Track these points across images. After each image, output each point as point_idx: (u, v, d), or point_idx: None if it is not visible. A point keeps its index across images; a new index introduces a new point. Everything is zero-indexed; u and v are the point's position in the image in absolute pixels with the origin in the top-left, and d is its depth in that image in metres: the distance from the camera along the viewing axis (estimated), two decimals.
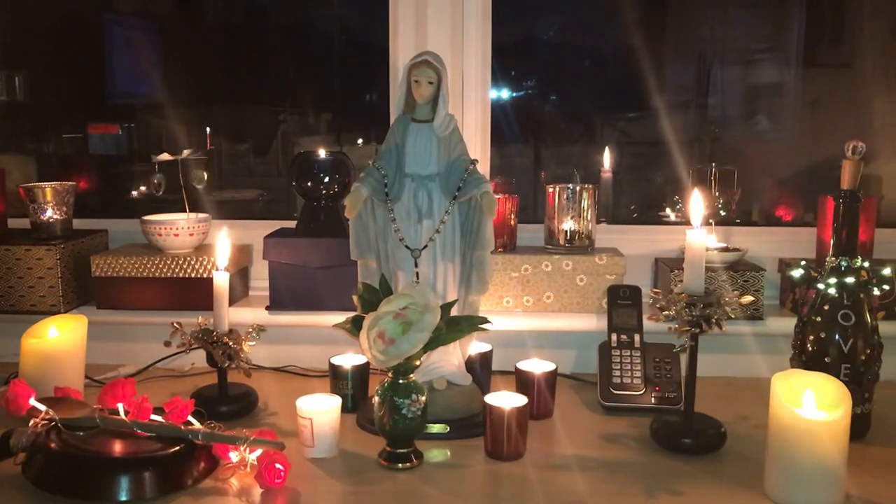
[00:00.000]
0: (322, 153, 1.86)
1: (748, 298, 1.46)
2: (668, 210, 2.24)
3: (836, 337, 1.47)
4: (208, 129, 3.21)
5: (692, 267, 1.42)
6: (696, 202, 1.45)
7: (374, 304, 1.41)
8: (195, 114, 2.98)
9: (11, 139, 2.48)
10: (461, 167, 1.54)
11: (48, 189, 1.88)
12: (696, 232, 1.41)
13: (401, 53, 1.94)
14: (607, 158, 2.39)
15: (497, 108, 2.12)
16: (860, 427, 1.46)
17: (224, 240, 1.62)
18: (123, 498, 1.24)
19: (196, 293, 1.83)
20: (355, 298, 1.48)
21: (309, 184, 1.85)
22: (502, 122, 2.38)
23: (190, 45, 2.82)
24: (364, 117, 3.25)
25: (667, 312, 1.42)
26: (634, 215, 2.51)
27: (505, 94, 2.57)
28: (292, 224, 1.99)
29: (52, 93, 2.69)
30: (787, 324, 1.68)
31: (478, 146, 1.96)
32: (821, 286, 1.49)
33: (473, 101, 1.97)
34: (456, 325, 1.42)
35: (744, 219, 2.26)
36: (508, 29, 2.00)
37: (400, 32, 1.94)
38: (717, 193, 1.95)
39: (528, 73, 2.69)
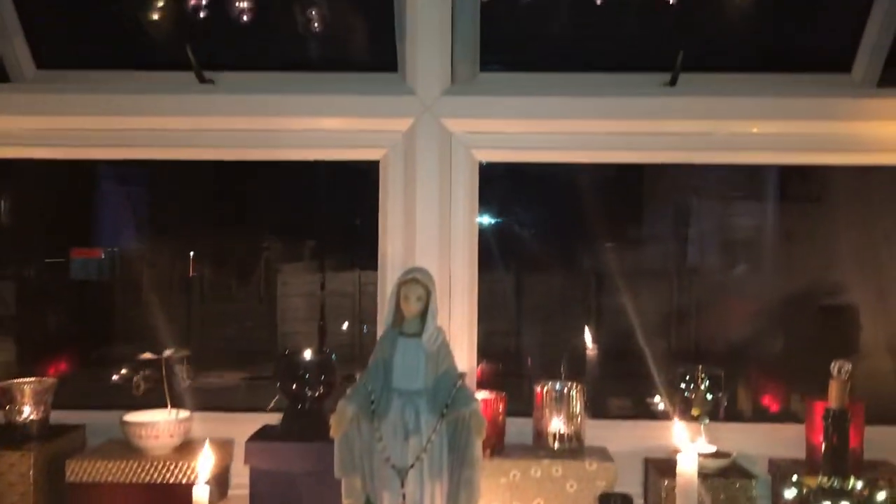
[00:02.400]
0: (307, 354, 1.85)
1: None
2: (656, 398, 2.23)
3: None
4: (192, 254, 3.21)
5: (684, 493, 1.40)
6: (683, 427, 1.44)
7: None
8: (178, 240, 2.98)
9: None
10: (449, 382, 1.53)
11: (27, 388, 1.85)
12: (687, 459, 1.40)
13: (389, 255, 1.97)
14: (589, 337, 2.40)
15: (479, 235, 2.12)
16: None
17: (207, 456, 1.58)
18: None
19: (175, 498, 1.77)
20: None
21: (294, 386, 1.83)
22: (483, 249, 2.38)
23: (175, 173, 2.83)
24: (347, 243, 3.27)
25: None
26: (619, 406, 2.49)
27: (486, 220, 2.58)
28: (273, 417, 1.95)
29: (36, 217, 2.68)
30: None
31: (465, 342, 1.96)
32: None
33: (460, 301, 1.98)
34: None
35: (730, 406, 2.25)
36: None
37: (389, 228, 1.98)
38: (704, 396, 1.94)
39: (512, 202, 2.74)
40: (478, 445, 1.52)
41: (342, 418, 1.51)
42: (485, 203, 2.09)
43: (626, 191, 3.03)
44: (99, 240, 3.25)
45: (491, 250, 2.56)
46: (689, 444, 1.42)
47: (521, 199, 2.93)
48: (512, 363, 2.77)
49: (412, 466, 1.50)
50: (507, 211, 2.82)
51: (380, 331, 1.66)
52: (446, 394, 1.52)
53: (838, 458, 1.49)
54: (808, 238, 2.92)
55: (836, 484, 1.47)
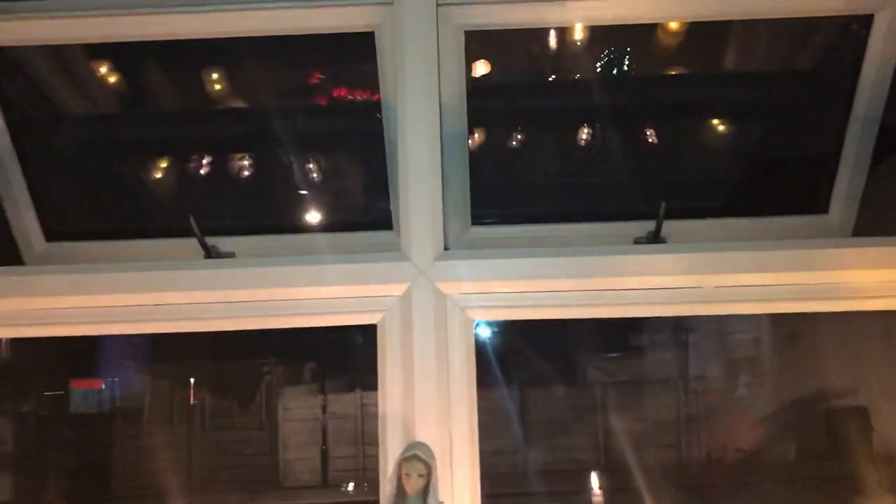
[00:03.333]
0: None
1: None
2: None
3: None
4: (192, 381, 3.20)
5: None
6: None
7: None
8: (179, 367, 2.99)
9: None
10: None
11: None
12: None
13: (389, 408, 1.99)
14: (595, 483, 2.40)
15: (482, 348, 2.12)
16: None
17: None
18: None
19: None
20: None
21: None
22: (486, 365, 2.37)
23: None
24: (347, 364, 3.25)
25: None
26: None
27: (486, 332, 2.59)
28: None
29: (34, 352, 2.68)
30: None
31: None
32: None
33: (461, 466, 1.98)
34: None
35: None
36: None
37: (388, 389, 2.01)
38: None
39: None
40: None
41: None
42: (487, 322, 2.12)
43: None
44: (98, 370, 3.25)
45: (490, 367, 2.57)
46: None
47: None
48: (516, 483, 2.72)
49: None
50: (508, 329, 2.84)
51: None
52: None
53: None
54: (810, 340, 2.91)
55: None
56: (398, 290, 2.02)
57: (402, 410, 2.00)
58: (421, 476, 1.58)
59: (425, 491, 1.58)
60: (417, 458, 1.58)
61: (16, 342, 2.57)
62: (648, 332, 3.19)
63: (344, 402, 4.29)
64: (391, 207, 2.20)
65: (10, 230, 2.24)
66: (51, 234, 2.27)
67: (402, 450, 1.64)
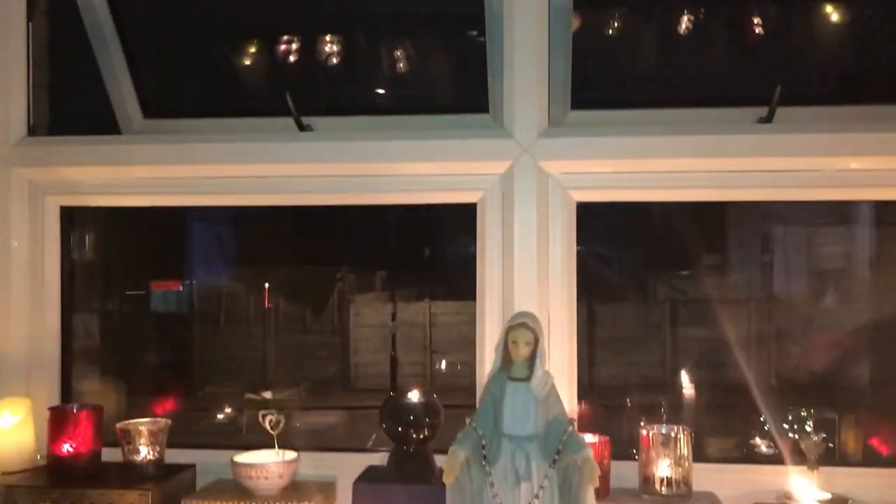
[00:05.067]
0: (414, 396, 1.87)
1: None
2: (757, 439, 2.18)
3: None
4: (266, 286, 3.26)
5: None
6: (799, 473, 1.41)
7: None
8: (255, 272, 3.04)
9: (78, 296, 2.52)
10: (560, 429, 1.54)
11: (143, 430, 1.92)
12: None
13: (487, 307, 1.99)
14: (686, 380, 2.37)
15: None
16: None
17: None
18: None
19: None
20: None
21: (400, 428, 1.85)
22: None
23: (255, 209, 2.88)
24: (418, 275, 3.28)
25: None
26: (721, 449, 2.43)
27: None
28: (375, 457, 1.98)
29: (119, 251, 2.76)
30: None
31: (564, 386, 1.95)
32: None
33: (559, 344, 1.98)
34: None
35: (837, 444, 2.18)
36: None
37: (487, 272, 2.00)
38: (816, 439, 1.88)
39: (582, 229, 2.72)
40: (590, 492, 1.52)
41: (455, 463, 1.52)
42: None
43: (709, 219, 2.95)
44: (178, 273, 3.34)
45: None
46: (806, 490, 1.38)
47: (600, 230, 2.90)
48: (600, 398, 2.72)
49: None
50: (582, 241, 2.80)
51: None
52: (557, 439, 1.53)
53: None
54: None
55: None
56: (500, 168, 1.99)
57: (500, 291, 2.00)
58: (528, 344, 1.56)
59: (531, 359, 1.56)
60: (525, 326, 1.56)
61: (102, 244, 2.63)
62: (725, 250, 3.08)
63: (413, 311, 4.32)
64: (488, 88, 2.14)
65: (111, 105, 2.27)
66: (148, 111, 2.29)
67: (504, 323, 1.62)
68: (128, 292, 3.03)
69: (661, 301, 3.34)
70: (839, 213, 2.90)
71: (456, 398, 2.26)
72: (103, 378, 2.65)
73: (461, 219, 2.10)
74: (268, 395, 1.93)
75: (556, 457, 1.52)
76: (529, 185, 1.97)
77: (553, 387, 1.58)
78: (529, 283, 1.95)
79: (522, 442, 1.53)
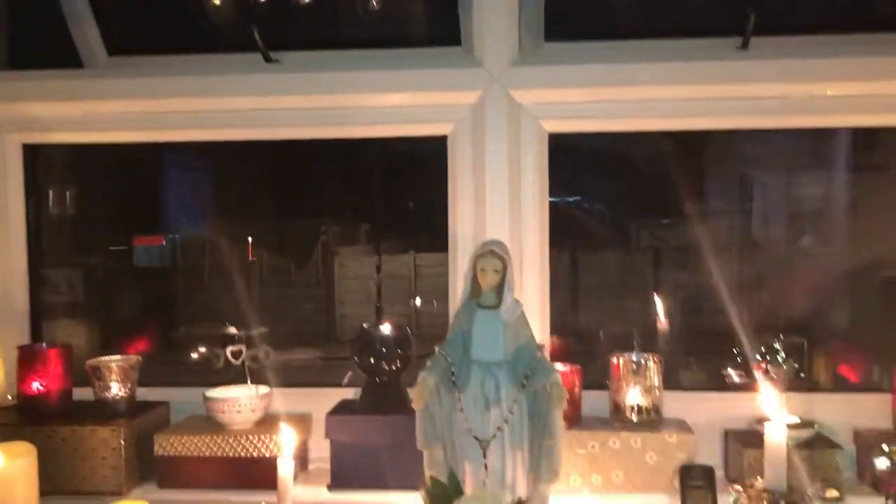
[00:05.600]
0: (385, 329, 1.87)
1: (833, 493, 1.41)
2: (729, 370, 2.19)
3: None
4: (250, 240, 3.25)
5: (773, 463, 1.38)
6: (771, 396, 1.42)
7: (443, 501, 1.38)
8: (238, 225, 3.02)
9: (61, 251, 2.51)
10: (529, 354, 1.53)
11: (114, 366, 1.91)
12: (776, 427, 1.37)
13: (459, 231, 1.97)
14: (660, 308, 2.37)
15: None
16: None
17: (289, 436, 1.59)
18: None
19: (257, 471, 1.81)
20: (423, 495, 1.45)
21: (371, 360, 1.85)
22: None
23: (237, 161, 2.88)
24: (403, 226, 3.27)
25: None
26: (693, 367, 2.46)
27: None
28: (349, 392, 1.99)
29: (100, 207, 2.74)
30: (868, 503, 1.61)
31: (537, 315, 1.95)
32: None
33: (532, 273, 1.98)
34: None
35: (809, 377, 2.20)
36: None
37: (458, 210, 1.98)
38: (785, 363, 1.90)
39: (564, 179, 2.71)
40: (559, 416, 1.52)
41: (424, 390, 1.52)
42: None
43: (686, 163, 2.94)
44: (160, 227, 3.31)
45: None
46: (777, 413, 1.39)
47: (578, 177, 2.89)
48: (578, 339, 2.74)
49: (493, 437, 1.51)
50: (562, 188, 2.79)
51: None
52: (526, 365, 1.53)
53: None
54: (877, 208, 2.82)
55: None
56: (470, 98, 1.96)
57: (472, 222, 1.98)
58: (497, 272, 1.55)
59: (500, 287, 1.55)
60: (494, 253, 1.55)
61: (81, 198, 2.59)
62: (704, 197, 3.07)
63: (398, 263, 4.30)
64: (460, 21, 2.09)
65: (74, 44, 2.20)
66: (113, 49, 2.23)
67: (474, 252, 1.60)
68: (110, 248, 3.01)
69: (644, 248, 3.35)
70: (817, 156, 2.90)
71: None
72: (83, 328, 2.64)
73: (445, 172, 2.08)
74: (232, 330, 1.92)
75: (525, 382, 1.52)
76: (500, 115, 1.94)
77: (522, 314, 1.57)
78: (501, 214, 1.93)
79: (492, 368, 1.53)
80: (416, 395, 1.52)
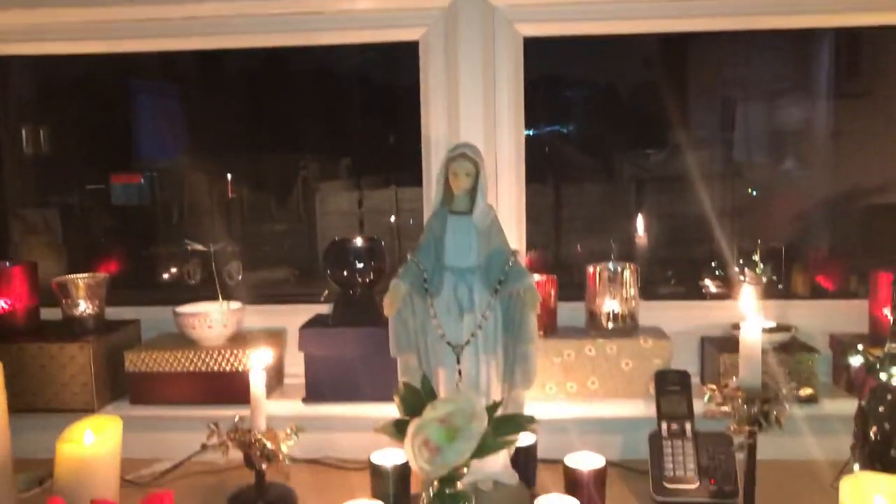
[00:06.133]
0: (357, 240, 1.83)
1: (807, 391, 1.40)
2: (707, 281, 2.18)
3: None
4: (229, 176, 3.21)
5: (748, 362, 1.36)
6: (747, 294, 1.40)
7: (416, 406, 1.36)
8: (216, 162, 2.98)
9: (37, 191, 2.46)
10: (502, 259, 1.50)
11: (80, 283, 1.87)
12: (751, 325, 1.36)
13: (433, 136, 1.92)
14: (641, 224, 2.35)
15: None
16: None
17: (264, 353, 1.57)
18: None
19: (231, 386, 1.80)
20: (396, 400, 1.43)
21: (344, 272, 1.82)
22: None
23: (211, 96, 2.82)
24: (383, 161, 3.24)
25: (724, 409, 1.36)
26: (672, 281, 2.45)
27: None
28: (324, 308, 1.96)
29: (75, 145, 2.69)
30: (843, 406, 1.62)
31: (513, 225, 1.92)
32: (883, 376, 1.42)
33: (507, 176, 1.94)
34: (503, 429, 1.36)
35: (786, 286, 2.20)
36: (526, 66, 1.96)
37: (432, 115, 1.93)
38: (762, 270, 1.89)
39: (546, 110, 2.67)
40: (533, 320, 1.49)
41: (395, 296, 1.49)
42: None
43: (669, 93, 2.89)
44: (137, 166, 3.25)
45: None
46: (753, 313, 1.38)
47: (560, 108, 2.84)
48: (558, 265, 2.70)
49: (467, 343, 1.48)
50: (544, 120, 2.74)
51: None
52: (499, 270, 1.49)
53: None
54: (858, 135, 2.79)
55: None
56: (442, 1, 1.88)
57: (446, 130, 1.93)
58: (468, 175, 1.50)
59: (473, 191, 1.51)
60: (465, 156, 1.50)
61: (57, 139, 2.52)
62: (688, 126, 3.01)
63: (380, 198, 4.25)
64: None
65: None
66: None
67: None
68: (87, 186, 2.95)
69: (627, 179, 3.32)
70: (799, 82, 2.85)
71: None
72: (54, 254, 2.60)
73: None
74: (199, 246, 1.87)
75: (499, 287, 1.49)
76: (474, 18, 1.87)
77: (495, 219, 1.53)
78: (475, 121, 1.88)
79: (465, 274, 1.50)
80: (388, 302, 1.49)
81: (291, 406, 1.81)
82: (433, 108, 1.92)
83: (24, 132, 2.40)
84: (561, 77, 2.67)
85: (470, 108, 1.88)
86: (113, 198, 2.95)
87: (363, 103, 2.89)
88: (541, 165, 2.59)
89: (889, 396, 1.41)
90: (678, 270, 2.53)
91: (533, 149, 2.14)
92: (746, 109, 3.22)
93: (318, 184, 3.96)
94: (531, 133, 2.54)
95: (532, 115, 2.04)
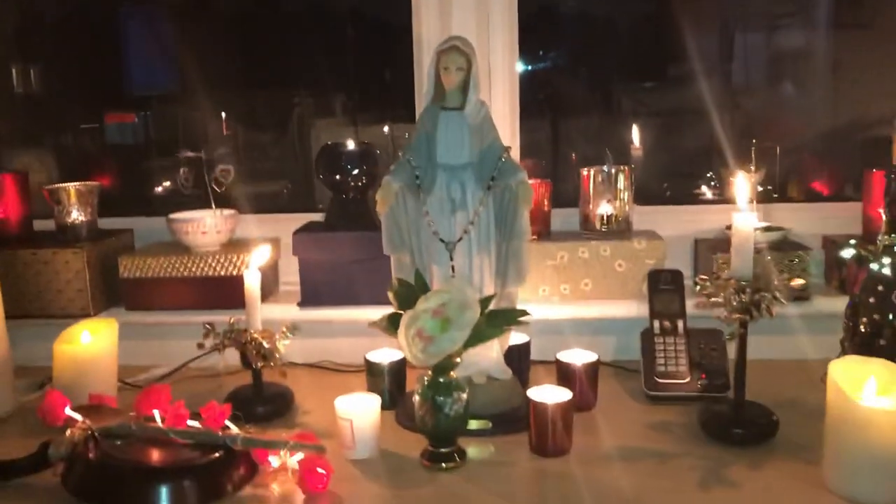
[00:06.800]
0: (349, 144, 1.82)
1: (799, 281, 1.41)
2: (703, 188, 2.17)
3: (891, 318, 1.40)
4: (223, 115, 3.18)
5: (740, 252, 1.37)
6: (741, 185, 1.39)
7: (410, 300, 1.37)
8: (210, 100, 2.95)
9: (29, 132, 2.45)
10: (494, 155, 1.49)
11: (72, 190, 1.86)
12: (743, 215, 1.36)
13: (424, 35, 1.89)
14: (636, 134, 2.33)
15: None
16: None
17: (262, 250, 1.57)
18: None
19: (226, 291, 1.80)
20: (391, 295, 1.44)
21: (337, 176, 1.81)
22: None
23: (203, 32, 2.78)
24: (379, 97, 3.21)
25: (715, 299, 1.37)
26: (668, 193, 2.45)
27: (519, 67, 2.50)
28: (318, 216, 1.96)
29: (67, 84, 2.66)
30: (834, 304, 1.63)
31: (507, 128, 1.91)
32: (874, 266, 1.43)
33: (501, 80, 1.91)
34: (495, 320, 1.38)
35: (782, 194, 2.19)
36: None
37: (423, 14, 1.89)
38: (755, 170, 1.88)
39: (543, 44, 2.63)
40: (525, 216, 1.49)
41: (388, 193, 1.48)
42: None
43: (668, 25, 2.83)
44: (131, 101, 3.21)
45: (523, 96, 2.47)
46: (747, 206, 1.38)
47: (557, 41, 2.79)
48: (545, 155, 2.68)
49: (460, 240, 1.49)
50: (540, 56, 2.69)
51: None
52: (492, 166, 1.49)
53: None
54: (858, 67, 2.74)
55: None
56: None
57: (438, 28, 1.89)
58: (460, 69, 1.47)
59: (465, 87, 1.49)
60: (457, 49, 1.47)
61: (48, 77, 2.48)
62: (687, 59, 2.95)
63: (374, 134, 4.21)
64: None
65: None
66: None
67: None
68: (81, 126, 2.91)
69: (625, 114, 3.29)
70: (799, 13, 2.78)
71: None
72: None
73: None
74: (190, 153, 1.86)
75: (491, 182, 1.48)
76: None
77: (488, 115, 1.51)
78: (467, 9, 1.84)
79: (457, 171, 1.49)
80: (381, 200, 1.49)
81: (287, 310, 1.82)
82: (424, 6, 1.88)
83: (13, 71, 2.35)
84: (557, 6, 2.63)
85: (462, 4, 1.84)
86: (107, 136, 2.93)
87: (357, 40, 2.85)
88: (536, 99, 2.56)
89: (879, 287, 1.42)
90: (673, 184, 2.53)
91: (530, 84, 2.12)
92: (745, 42, 3.17)
93: (313, 121, 3.93)
94: (528, 68, 2.51)
95: (528, 48, 2.01)
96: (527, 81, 2.14)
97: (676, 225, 1.93)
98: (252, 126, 3.44)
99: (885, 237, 1.43)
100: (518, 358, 1.65)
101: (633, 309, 1.77)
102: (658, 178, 2.52)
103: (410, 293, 1.39)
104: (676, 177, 2.55)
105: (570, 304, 1.80)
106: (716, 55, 3.15)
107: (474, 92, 1.49)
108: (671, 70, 2.89)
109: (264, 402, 1.58)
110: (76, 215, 1.86)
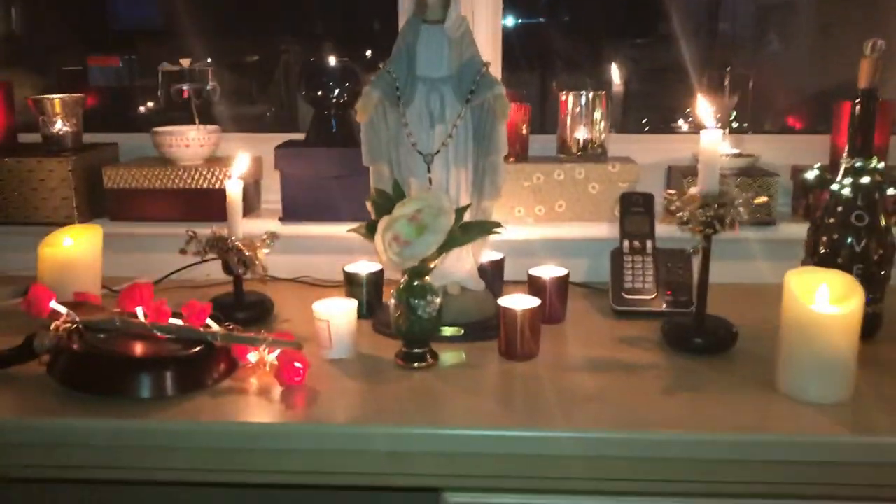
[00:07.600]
0: (331, 61, 1.84)
1: (762, 199, 1.46)
2: (680, 122, 2.21)
3: (849, 238, 1.46)
4: (209, 60, 3.16)
5: (706, 168, 1.41)
6: (705, 104, 1.44)
7: (388, 208, 1.41)
8: (195, 45, 2.94)
9: (11, 74, 2.44)
10: (473, 70, 1.52)
11: (57, 101, 1.87)
12: (711, 133, 1.40)
13: None
14: (616, 73, 2.36)
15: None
16: (871, 326, 1.47)
17: (243, 157, 1.60)
18: (145, 395, 1.25)
19: (209, 204, 1.83)
20: (369, 204, 1.48)
21: (318, 93, 1.83)
22: (505, 50, 2.33)
23: None
24: (367, 45, 3.20)
25: (681, 214, 1.42)
26: (647, 129, 2.49)
27: (509, 21, 2.51)
28: (301, 136, 1.98)
29: (49, 24, 2.64)
30: (799, 230, 1.67)
31: (489, 39, 1.93)
32: (835, 187, 1.49)
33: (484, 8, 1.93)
34: (469, 230, 1.42)
35: (755, 129, 2.23)
36: None
37: None
38: (729, 98, 1.92)
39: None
40: (502, 131, 1.53)
41: (368, 103, 1.51)
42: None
43: None
44: (114, 48, 3.18)
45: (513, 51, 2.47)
46: (712, 120, 1.42)
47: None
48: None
49: (437, 153, 1.52)
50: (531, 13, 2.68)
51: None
52: (470, 80, 1.52)
53: (863, 142, 1.48)
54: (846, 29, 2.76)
55: (857, 164, 1.47)
56: None
57: None
58: None
59: (446, 1, 1.51)
60: None
61: (27, 17, 2.44)
62: (676, 16, 2.93)
63: (364, 81, 4.19)
64: None
65: None
66: None
67: None
68: (64, 68, 2.89)
69: (615, 69, 3.30)
70: None
71: None
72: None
73: None
74: (185, 62, 1.87)
75: (470, 96, 1.51)
76: None
77: (468, 30, 1.54)
78: None
79: (436, 84, 1.52)
80: (360, 109, 1.52)
81: (269, 224, 1.86)
82: None
83: None
84: None
85: None
86: (91, 81, 2.92)
87: None
88: (527, 56, 2.57)
89: (839, 208, 1.48)
90: (652, 120, 2.56)
91: (519, 38, 2.12)
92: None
93: (299, 68, 3.90)
94: (519, 22, 2.51)
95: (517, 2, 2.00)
96: (515, 36, 2.15)
97: (652, 153, 1.98)
98: (238, 74, 3.43)
99: (847, 160, 1.48)
100: (492, 275, 1.70)
101: (605, 231, 1.82)
102: (638, 115, 2.57)
103: (388, 203, 1.43)
104: (656, 116, 2.59)
105: (544, 224, 1.85)
106: (703, 12, 3.17)
107: (455, 5, 1.51)
108: (659, 27, 2.90)
109: (245, 308, 1.62)
110: (61, 125, 1.88)
